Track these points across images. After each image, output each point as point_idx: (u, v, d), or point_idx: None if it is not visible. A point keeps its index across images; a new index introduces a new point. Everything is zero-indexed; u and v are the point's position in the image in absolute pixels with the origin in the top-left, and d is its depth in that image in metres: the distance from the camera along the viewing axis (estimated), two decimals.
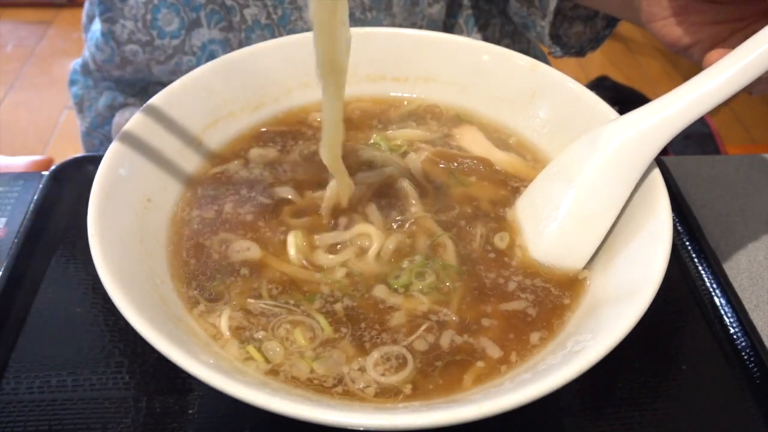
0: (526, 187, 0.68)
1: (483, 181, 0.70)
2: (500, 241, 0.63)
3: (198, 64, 1.01)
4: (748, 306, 0.72)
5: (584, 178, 0.60)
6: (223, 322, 0.56)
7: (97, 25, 1.08)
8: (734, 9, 0.61)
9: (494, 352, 0.55)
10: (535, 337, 0.56)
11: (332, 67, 0.55)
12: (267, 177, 0.69)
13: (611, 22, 0.97)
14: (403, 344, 0.55)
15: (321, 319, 0.56)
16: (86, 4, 1.13)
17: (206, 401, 0.61)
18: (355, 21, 0.96)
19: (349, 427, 0.44)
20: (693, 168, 0.90)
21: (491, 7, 1.05)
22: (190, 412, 0.60)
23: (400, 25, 0.98)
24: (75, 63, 1.17)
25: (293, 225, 0.64)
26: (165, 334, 0.47)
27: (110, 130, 1.14)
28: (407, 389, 0.53)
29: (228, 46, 1.00)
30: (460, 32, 1.05)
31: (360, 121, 0.76)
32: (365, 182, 0.68)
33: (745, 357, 0.66)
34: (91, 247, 0.52)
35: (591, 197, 0.60)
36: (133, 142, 0.62)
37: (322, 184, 0.67)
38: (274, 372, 0.53)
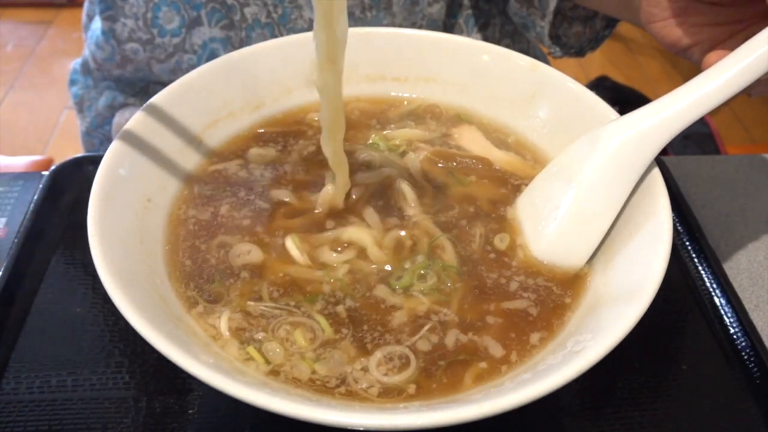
0: (525, 185, 0.68)
1: (482, 180, 0.70)
2: (500, 242, 0.63)
3: (198, 62, 1.01)
4: (748, 306, 0.72)
5: (583, 178, 0.60)
6: (223, 323, 0.56)
7: (97, 24, 1.08)
8: (734, 11, 0.61)
9: (497, 351, 0.55)
10: (535, 337, 0.56)
11: (330, 53, 0.54)
12: (267, 177, 0.69)
13: (611, 22, 0.97)
14: (406, 344, 0.55)
15: (321, 320, 0.56)
16: (86, 3, 1.13)
17: (206, 401, 0.61)
18: (355, 20, 0.96)
19: (349, 427, 0.44)
20: (693, 168, 0.90)
21: (491, 7, 1.05)
22: (190, 412, 0.60)
23: (400, 25, 0.98)
24: (75, 63, 1.17)
25: (289, 226, 0.64)
26: (165, 334, 0.47)
27: (110, 130, 1.14)
28: (411, 389, 0.53)
29: (229, 45, 1.00)
30: (460, 32, 1.05)
31: (359, 121, 0.76)
32: (363, 183, 0.68)
33: (745, 357, 0.66)
34: (91, 247, 0.52)
35: (590, 197, 0.60)
36: (133, 141, 0.62)
37: (321, 185, 0.67)
38: (274, 372, 0.53)
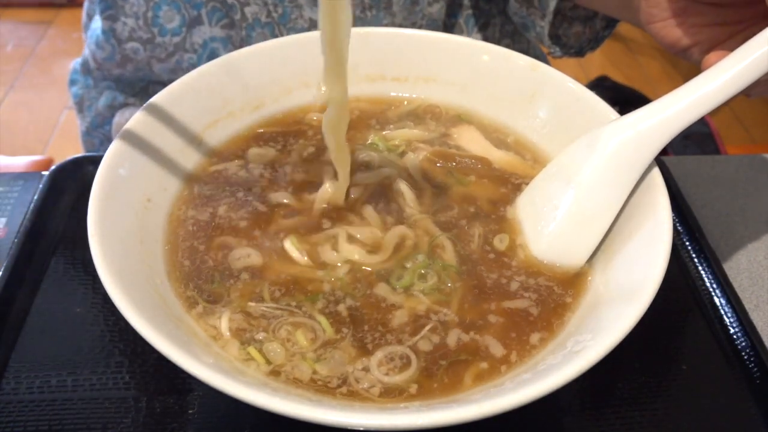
0: (525, 184, 0.68)
1: (482, 180, 0.70)
2: (500, 242, 0.63)
3: (199, 61, 1.01)
4: (748, 306, 0.72)
5: (583, 178, 0.60)
6: (223, 324, 0.56)
7: (97, 23, 1.08)
8: (733, 11, 0.61)
9: (497, 351, 0.55)
10: (535, 337, 0.56)
11: (334, 40, 0.54)
12: (267, 178, 0.69)
13: (611, 22, 0.98)
14: (407, 344, 0.55)
15: (322, 319, 0.56)
16: (86, 3, 1.13)
17: (206, 401, 0.61)
18: (355, 19, 0.96)
19: (349, 427, 0.44)
20: (693, 168, 0.90)
21: (491, 6, 1.05)
22: (190, 412, 0.60)
23: (400, 24, 0.98)
24: (75, 62, 1.17)
25: (289, 226, 0.64)
26: (165, 334, 0.47)
27: (110, 129, 1.14)
28: (413, 389, 0.53)
29: (229, 44, 1.00)
30: (461, 32, 1.05)
31: (358, 121, 0.76)
32: (362, 183, 0.68)
33: (745, 357, 0.66)
34: (91, 247, 0.52)
35: (590, 197, 0.60)
36: (133, 141, 0.62)
37: (321, 185, 0.67)
38: (275, 373, 0.53)
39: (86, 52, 1.12)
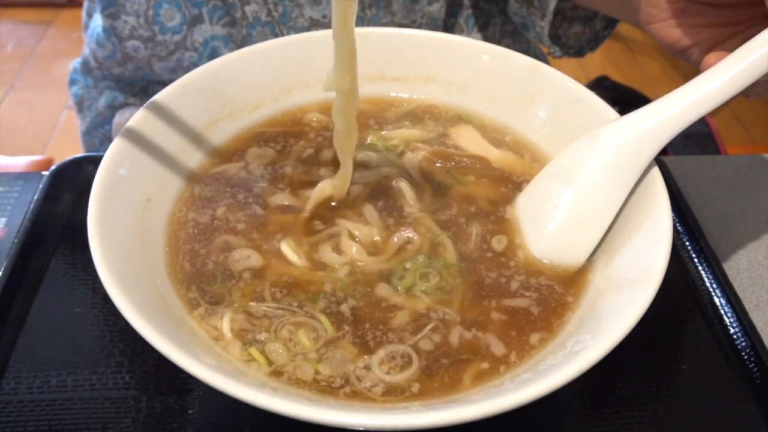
0: (524, 183, 0.68)
1: (481, 180, 0.70)
2: (498, 243, 0.63)
3: (200, 59, 1.01)
4: (748, 306, 0.72)
5: (582, 178, 0.60)
6: (225, 325, 0.56)
7: (96, 22, 1.08)
8: (732, 12, 0.61)
9: (498, 350, 0.55)
10: (535, 337, 0.56)
11: (346, 21, 0.55)
12: (267, 178, 0.69)
13: (610, 22, 0.98)
14: (408, 343, 0.55)
15: (324, 319, 0.56)
16: (86, 2, 1.13)
17: (206, 401, 0.61)
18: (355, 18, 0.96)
19: (349, 427, 0.44)
20: (693, 168, 0.90)
21: (491, 6, 1.05)
22: (190, 412, 0.60)
23: (400, 23, 0.99)
24: (75, 62, 1.17)
25: (286, 225, 0.64)
26: (165, 334, 0.47)
27: (110, 129, 1.14)
28: (415, 387, 0.53)
29: (230, 42, 1.00)
30: (461, 32, 1.05)
31: (357, 121, 0.76)
32: (362, 182, 0.68)
33: (745, 357, 0.66)
34: (91, 247, 0.52)
35: (589, 198, 0.60)
36: (133, 141, 0.62)
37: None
38: (277, 373, 0.53)
39: (86, 51, 1.12)
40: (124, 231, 0.57)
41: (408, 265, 0.61)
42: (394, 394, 0.52)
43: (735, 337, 0.67)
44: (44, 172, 0.82)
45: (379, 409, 0.50)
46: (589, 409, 0.62)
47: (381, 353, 0.54)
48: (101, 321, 0.67)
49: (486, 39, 1.06)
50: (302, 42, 0.75)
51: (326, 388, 0.52)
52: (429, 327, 0.56)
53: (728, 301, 0.70)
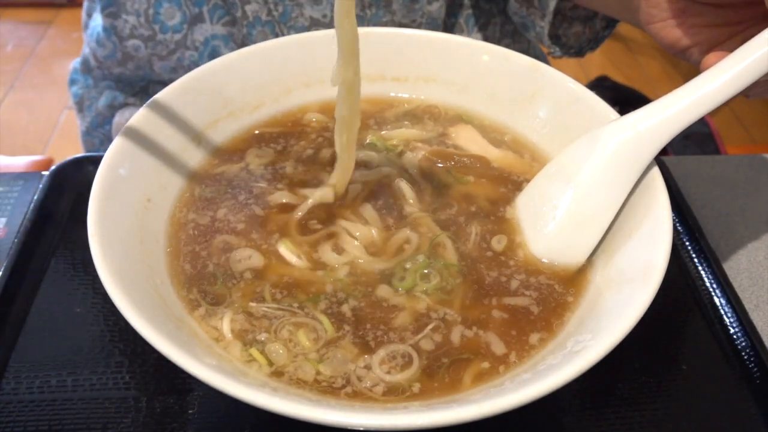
0: (524, 182, 0.68)
1: (481, 179, 0.70)
2: (497, 243, 0.63)
3: (200, 59, 1.01)
4: (748, 306, 0.72)
5: (582, 178, 0.60)
6: (225, 325, 0.56)
7: (96, 21, 1.08)
8: (732, 12, 0.61)
9: (499, 349, 0.55)
10: (535, 337, 0.56)
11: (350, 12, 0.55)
12: (267, 179, 0.69)
13: (610, 22, 0.98)
14: (409, 343, 0.55)
15: (324, 319, 0.56)
16: (85, 2, 1.13)
17: (206, 401, 0.61)
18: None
19: (349, 427, 0.44)
20: (693, 168, 0.90)
21: (491, 6, 1.05)
22: (190, 412, 0.60)
23: (400, 22, 0.99)
24: (75, 62, 1.17)
25: (285, 225, 0.64)
26: (165, 334, 0.47)
27: (110, 129, 1.14)
28: (416, 387, 0.53)
29: (231, 42, 1.00)
30: (461, 32, 1.05)
31: None
32: (361, 181, 0.68)
33: (745, 357, 0.66)
34: (91, 247, 0.52)
35: (589, 198, 0.60)
36: (134, 141, 0.62)
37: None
38: (278, 374, 0.53)
39: (86, 50, 1.12)
40: (124, 231, 0.57)
41: (408, 266, 0.61)
42: (395, 394, 0.52)
43: (735, 337, 0.67)
44: (44, 172, 0.82)
45: (379, 409, 0.50)
46: (589, 409, 0.62)
47: (381, 353, 0.54)
48: (101, 321, 0.67)
49: (486, 39, 1.06)
50: (302, 42, 0.75)
51: (327, 389, 0.52)
52: (429, 327, 0.56)
53: (728, 301, 0.70)
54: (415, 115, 0.77)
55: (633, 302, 0.50)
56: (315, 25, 0.97)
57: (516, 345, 0.56)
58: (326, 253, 0.62)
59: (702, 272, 0.74)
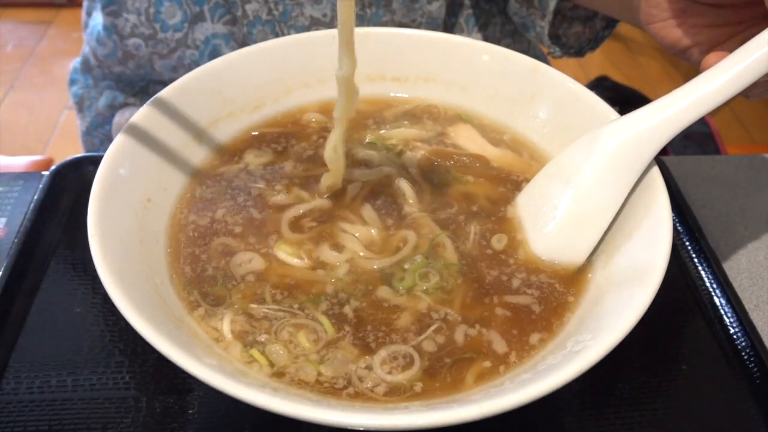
0: (524, 181, 0.68)
1: (480, 178, 0.70)
2: (498, 242, 0.63)
3: (201, 58, 1.01)
4: (748, 306, 0.72)
5: (582, 179, 0.60)
6: (226, 326, 0.56)
7: (96, 20, 1.08)
8: (733, 12, 0.61)
9: (500, 348, 0.55)
10: (535, 337, 0.56)
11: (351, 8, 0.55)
12: (267, 179, 0.69)
13: (610, 22, 0.98)
14: (411, 344, 0.55)
15: (324, 320, 0.56)
16: (85, 1, 1.13)
17: (206, 401, 0.61)
18: (355, 17, 0.96)
19: (350, 427, 0.44)
20: (693, 168, 0.90)
21: (491, 6, 1.05)
22: (190, 412, 0.60)
23: (400, 22, 0.99)
24: (75, 62, 1.17)
25: (284, 224, 0.64)
26: (165, 334, 0.47)
27: (110, 129, 1.14)
28: (418, 387, 0.53)
29: (232, 41, 1.00)
30: (461, 32, 1.05)
31: (355, 121, 0.76)
32: (361, 179, 0.68)
33: (745, 357, 0.66)
34: (91, 247, 0.52)
35: (589, 198, 0.60)
36: (134, 141, 0.62)
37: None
38: (279, 374, 0.53)
39: (86, 49, 1.12)
40: (124, 231, 0.57)
41: (407, 266, 0.61)
42: (397, 394, 0.52)
43: (735, 337, 0.67)
44: (44, 172, 0.82)
45: (380, 409, 0.50)
46: (589, 409, 0.62)
47: (383, 353, 0.54)
48: (101, 321, 0.67)
49: (486, 39, 1.06)
50: (302, 42, 0.75)
51: (329, 389, 0.52)
52: (430, 326, 0.56)
53: (728, 301, 0.70)
54: (414, 114, 0.77)
55: (633, 302, 0.50)
56: (315, 24, 0.97)
57: (516, 345, 0.56)
58: (325, 251, 0.62)
59: (702, 272, 0.74)
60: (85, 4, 1.13)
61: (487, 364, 0.54)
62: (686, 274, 0.74)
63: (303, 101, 0.76)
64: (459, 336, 0.56)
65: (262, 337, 0.55)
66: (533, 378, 0.48)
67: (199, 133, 0.70)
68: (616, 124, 0.60)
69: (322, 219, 0.65)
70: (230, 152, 0.72)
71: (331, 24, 0.97)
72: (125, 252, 0.56)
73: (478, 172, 0.71)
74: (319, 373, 0.53)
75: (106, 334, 0.66)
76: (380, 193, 0.68)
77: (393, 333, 0.56)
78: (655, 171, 0.60)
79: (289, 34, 0.95)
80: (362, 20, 0.97)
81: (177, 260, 0.61)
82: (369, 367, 0.54)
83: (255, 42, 0.94)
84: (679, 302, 0.72)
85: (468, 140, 0.74)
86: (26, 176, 0.84)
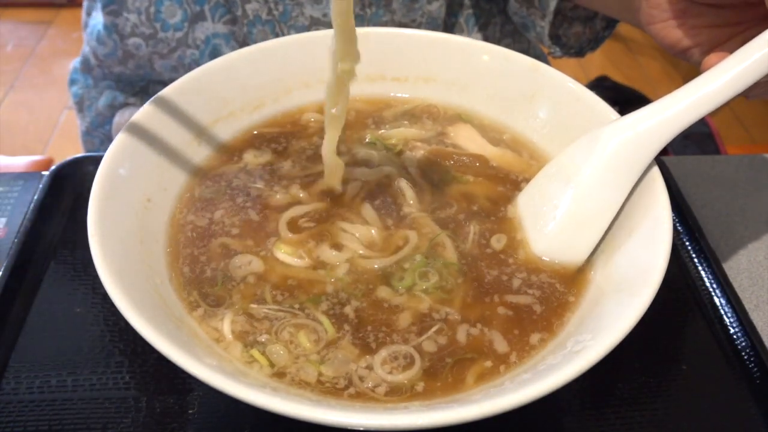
0: (523, 181, 0.69)
1: (480, 178, 0.70)
2: (497, 242, 0.63)
3: (201, 57, 1.01)
4: (748, 306, 0.72)
5: (582, 179, 0.60)
6: (226, 326, 0.56)
7: (96, 19, 1.08)
8: (733, 13, 0.61)
9: (501, 348, 0.55)
10: (535, 337, 0.56)
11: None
12: (266, 179, 0.69)
13: (611, 23, 0.98)
14: (412, 344, 0.55)
15: (325, 320, 0.56)
16: (85, 1, 1.13)
17: (206, 401, 0.61)
18: (355, 17, 0.96)
19: (350, 427, 0.44)
20: (693, 168, 0.90)
21: (492, 6, 1.05)
22: (190, 412, 0.60)
23: (400, 22, 0.99)
24: (75, 62, 1.17)
25: (281, 223, 0.64)
26: (165, 334, 0.47)
27: (110, 129, 1.14)
28: (419, 387, 0.53)
29: (232, 40, 1.00)
30: (461, 31, 1.05)
31: (355, 121, 0.76)
32: (361, 179, 0.68)
33: (745, 357, 0.66)
34: (91, 247, 0.52)
35: (589, 198, 0.60)
36: (134, 141, 0.62)
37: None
38: (280, 375, 0.53)
39: (86, 49, 1.11)
40: (124, 231, 0.57)
41: (406, 266, 0.61)
42: (398, 394, 0.52)
43: (735, 337, 0.67)
44: (44, 172, 0.82)
45: (380, 409, 0.50)
46: (589, 409, 0.62)
47: (383, 353, 0.54)
48: (101, 321, 0.67)
49: (486, 39, 1.06)
50: (302, 42, 0.75)
51: (330, 390, 0.52)
52: (431, 326, 0.56)
53: (728, 301, 0.70)
54: (414, 114, 0.77)
55: (633, 302, 0.50)
56: (315, 24, 0.97)
57: (517, 345, 0.56)
58: (325, 251, 0.62)
59: (702, 272, 0.74)
60: (85, 3, 1.13)
61: (488, 363, 0.54)
62: (686, 274, 0.74)
63: (303, 101, 0.76)
64: (460, 336, 0.56)
65: (263, 338, 0.55)
66: (533, 378, 0.48)
67: (199, 133, 0.70)
68: (616, 125, 0.60)
69: (322, 219, 0.65)
70: (230, 152, 0.72)
71: (331, 24, 0.97)
72: (125, 252, 0.56)
73: (477, 171, 0.71)
74: (320, 374, 0.53)
75: (106, 334, 0.66)
76: (380, 192, 0.68)
77: (393, 333, 0.56)
78: (655, 171, 0.60)
79: (289, 34, 0.95)
80: (362, 20, 0.97)
81: (177, 260, 0.61)
82: (369, 367, 0.54)
83: (255, 42, 0.94)
84: (679, 302, 0.72)
85: (468, 140, 0.74)
86: (26, 176, 0.84)
